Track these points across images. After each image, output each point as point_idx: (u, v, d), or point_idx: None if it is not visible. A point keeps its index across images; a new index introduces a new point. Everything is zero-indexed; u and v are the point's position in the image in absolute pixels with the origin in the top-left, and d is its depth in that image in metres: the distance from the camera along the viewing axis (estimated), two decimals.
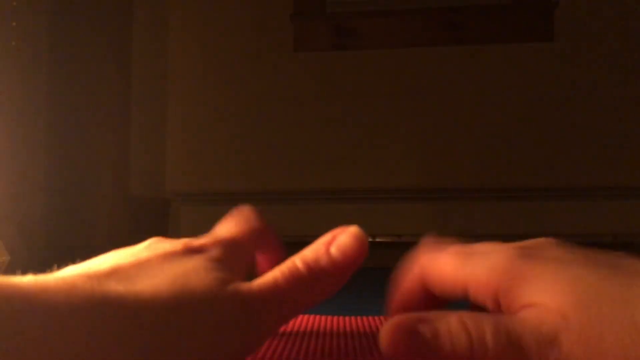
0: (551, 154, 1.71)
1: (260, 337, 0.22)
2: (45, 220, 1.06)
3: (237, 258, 0.26)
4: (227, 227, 0.28)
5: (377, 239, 1.73)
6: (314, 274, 0.24)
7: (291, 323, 0.38)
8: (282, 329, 0.34)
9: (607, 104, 1.69)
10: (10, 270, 0.89)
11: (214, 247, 0.25)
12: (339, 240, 0.25)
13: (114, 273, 0.20)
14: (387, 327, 0.21)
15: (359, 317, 0.40)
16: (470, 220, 1.70)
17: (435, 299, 0.26)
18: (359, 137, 1.77)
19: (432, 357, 0.20)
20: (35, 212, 1.04)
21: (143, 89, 1.65)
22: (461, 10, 1.76)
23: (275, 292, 0.22)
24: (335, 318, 0.39)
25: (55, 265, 0.22)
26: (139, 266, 0.21)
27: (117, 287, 0.18)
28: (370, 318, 0.39)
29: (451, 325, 0.20)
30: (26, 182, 1.01)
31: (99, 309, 0.17)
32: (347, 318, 0.39)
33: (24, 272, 0.19)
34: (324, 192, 1.75)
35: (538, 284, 0.20)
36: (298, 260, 0.24)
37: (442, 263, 0.25)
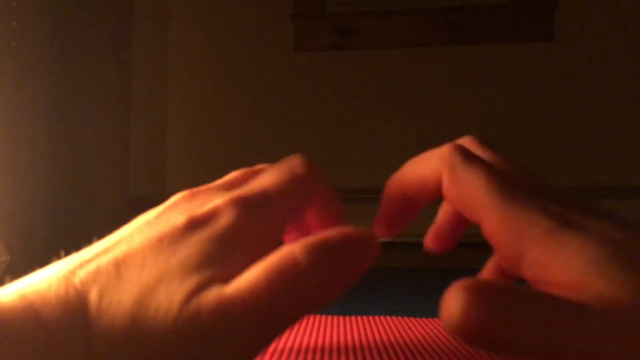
0: (551, 154, 1.71)
1: None
2: (45, 220, 1.06)
3: (262, 221, 0.20)
4: (263, 178, 0.22)
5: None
6: (320, 267, 0.18)
7: None
8: None
9: (607, 104, 1.69)
10: (10, 270, 0.89)
11: (228, 210, 0.20)
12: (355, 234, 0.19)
13: (92, 277, 0.18)
14: (458, 291, 0.16)
15: (358, 317, 0.40)
16: None
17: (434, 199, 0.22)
18: (359, 137, 1.78)
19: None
20: (35, 212, 1.04)
21: (143, 89, 1.65)
22: (461, 10, 1.76)
23: (251, 302, 0.17)
24: (334, 318, 0.39)
25: (63, 253, 0.21)
26: (120, 266, 0.18)
27: (87, 300, 0.17)
28: (370, 318, 0.39)
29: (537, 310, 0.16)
30: (26, 182, 1.01)
31: (65, 333, 0.16)
32: (346, 318, 0.39)
33: (24, 272, 0.19)
34: None
35: (594, 262, 0.17)
36: (298, 248, 0.18)
37: (473, 178, 0.21)
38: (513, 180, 0.21)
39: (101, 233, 0.23)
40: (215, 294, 0.17)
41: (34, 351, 0.16)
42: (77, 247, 0.22)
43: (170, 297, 0.17)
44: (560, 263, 0.17)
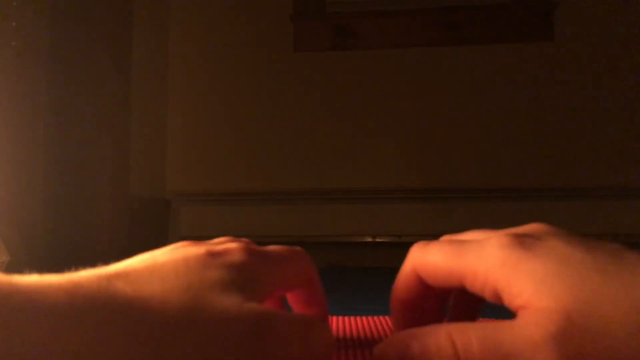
0: (551, 154, 1.71)
1: None
2: (45, 220, 1.06)
3: (263, 270, 0.23)
4: (268, 247, 0.26)
5: (377, 239, 1.73)
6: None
7: None
8: None
9: (607, 104, 1.69)
10: (10, 270, 0.89)
11: (239, 252, 0.23)
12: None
13: (125, 275, 0.19)
14: (381, 344, 0.22)
15: (358, 317, 0.40)
16: (471, 220, 1.70)
17: (433, 290, 0.26)
18: (358, 137, 1.78)
19: None
20: (35, 212, 1.04)
21: (143, 89, 1.65)
22: (461, 10, 1.76)
23: (305, 318, 0.21)
24: (334, 318, 0.39)
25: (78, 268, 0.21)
26: (153, 269, 0.20)
27: (124, 288, 0.18)
28: (370, 318, 0.39)
29: (439, 339, 0.20)
30: (26, 182, 1.01)
31: (103, 310, 0.17)
32: (346, 318, 0.39)
33: (24, 272, 0.19)
34: (324, 192, 1.75)
35: (539, 282, 0.20)
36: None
37: (434, 254, 0.24)
38: (469, 239, 0.24)
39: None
40: (271, 310, 0.20)
41: (44, 326, 0.15)
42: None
43: (223, 299, 0.19)
44: (519, 287, 0.20)
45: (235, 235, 0.29)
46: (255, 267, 0.23)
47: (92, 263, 0.20)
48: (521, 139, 1.72)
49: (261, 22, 1.83)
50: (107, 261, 0.21)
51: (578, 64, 1.71)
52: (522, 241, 0.22)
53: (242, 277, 0.21)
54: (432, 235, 0.30)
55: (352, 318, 0.39)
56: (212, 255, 0.22)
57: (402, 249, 0.28)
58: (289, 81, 1.82)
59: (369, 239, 1.73)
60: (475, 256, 0.22)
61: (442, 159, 1.74)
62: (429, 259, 0.25)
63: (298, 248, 0.27)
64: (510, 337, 0.19)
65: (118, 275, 0.19)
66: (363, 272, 1.59)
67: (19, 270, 0.18)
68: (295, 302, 0.29)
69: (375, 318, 0.38)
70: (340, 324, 0.37)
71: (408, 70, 1.78)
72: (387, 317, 0.39)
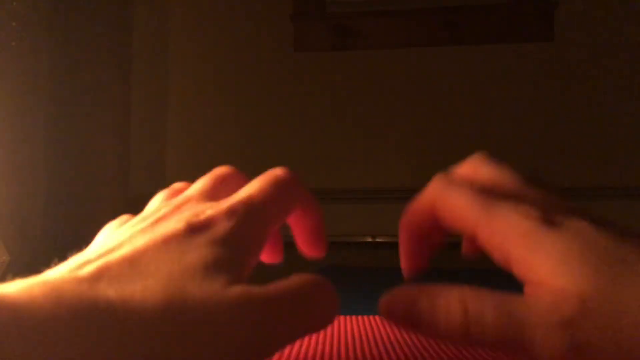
0: (551, 154, 1.71)
1: (268, 350, 0.19)
2: (45, 220, 1.06)
3: (253, 229, 0.22)
4: (250, 186, 0.24)
5: (377, 239, 1.73)
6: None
7: None
8: None
9: (607, 103, 1.69)
10: (10, 270, 0.89)
11: (224, 218, 0.22)
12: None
13: (105, 272, 0.18)
14: (388, 294, 0.21)
15: (359, 317, 0.40)
16: None
17: (443, 229, 0.25)
18: (359, 137, 1.78)
19: (427, 330, 0.20)
20: (35, 212, 1.04)
21: (143, 89, 1.65)
22: (461, 10, 1.76)
23: (297, 298, 0.20)
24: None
25: (56, 259, 0.21)
26: (133, 261, 0.19)
27: (106, 291, 0.17)
28: (371, 317, 0.39)
29: (450, 301, 0.20)
30: (26, 182, 1.01)
31: (88, 318, 0.16)
32: (347, 318, 0.39)
33: (24, 272, 0.19)
34: (324, 192, 1.75)
35: (559, 261, 0.19)
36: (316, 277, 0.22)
37: (458, 197, 0.23)
38: (499, 191, 0.23)
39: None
40: (257, 288, 0.19)
41: (31, 339, 0.15)
42: (77, 247, 0.22)
43: (205, 286, 0.18)
44: (536, 262, 0.20)
45: None
46: (241, 230, 0.22)
47: None
48: (521, 139, 1.72)
49: (261, 22, 1.83)
50: None
51: (578, 64, 1.71)
52: (550, 217, 0.21)
53: (228, 250, 0.20)
54: None
55: (352, 318, 0.39)
56: (193, 230, 0.21)
57: None
58: (289, 81, 1.82)
59: (369, 239, 1.73)
60: (498, 216, 0.22)
61: (441, 159, 1.74)
62: (451, 200, 0.24)
63: (277, 170, 0.26)
64: (526, 313, 0.19)
65: (100, 275, 0.18)
66: (363, 272, 1.59)
67: (19, 270, 0.18)
68: (292, 222, 0.28)
69: (376, 318, 0.38)
70: (341, 324, 0.37)
71: (408, 70, 1.78)
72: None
